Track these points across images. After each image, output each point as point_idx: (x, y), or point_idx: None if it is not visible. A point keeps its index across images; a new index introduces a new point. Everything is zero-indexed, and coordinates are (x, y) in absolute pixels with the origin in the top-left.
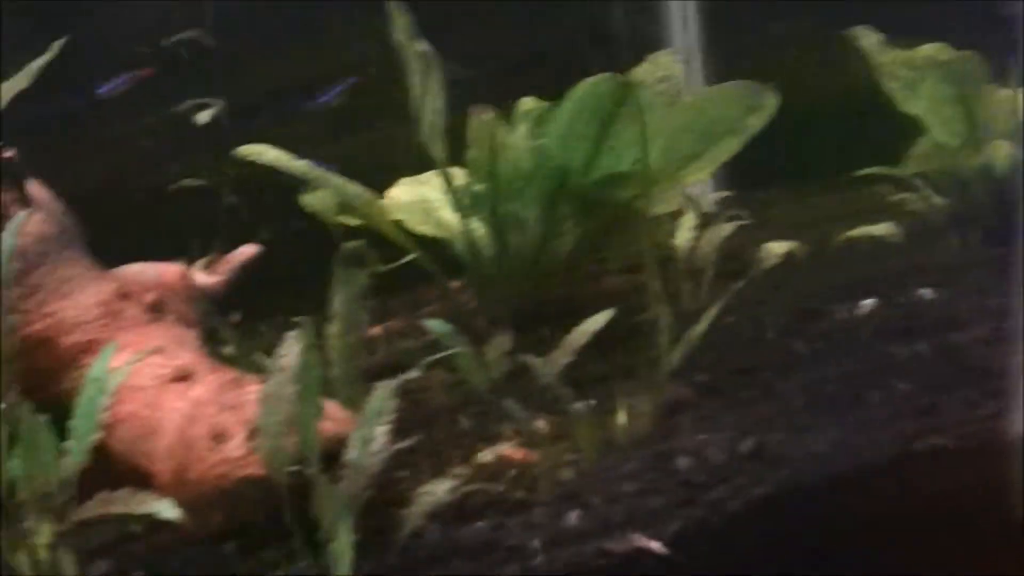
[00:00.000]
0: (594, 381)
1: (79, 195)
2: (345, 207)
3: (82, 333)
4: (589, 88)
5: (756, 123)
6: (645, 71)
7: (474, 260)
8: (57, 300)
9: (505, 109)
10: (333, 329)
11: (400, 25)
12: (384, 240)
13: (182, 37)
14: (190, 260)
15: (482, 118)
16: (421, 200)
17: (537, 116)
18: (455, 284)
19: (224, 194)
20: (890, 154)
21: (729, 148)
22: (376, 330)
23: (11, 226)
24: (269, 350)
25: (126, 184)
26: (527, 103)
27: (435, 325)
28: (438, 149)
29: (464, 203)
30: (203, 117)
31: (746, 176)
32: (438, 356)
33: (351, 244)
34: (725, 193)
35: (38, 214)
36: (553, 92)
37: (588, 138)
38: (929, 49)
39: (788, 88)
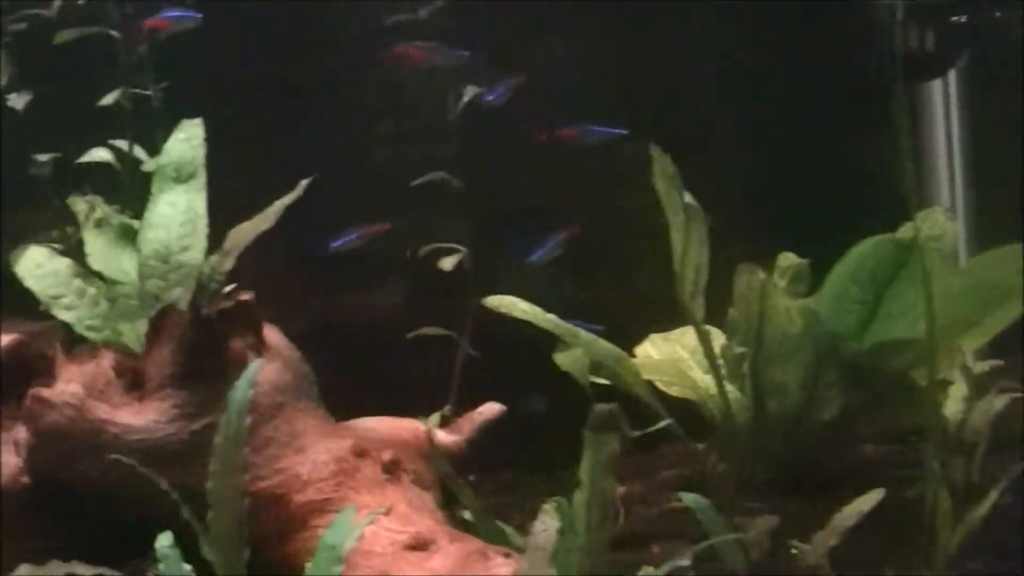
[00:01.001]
0: (862, 562)
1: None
2: (596, 366)
3: (315, 492)
4: (868, 249)
5: None
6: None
7: (728, 425)
8: (290, 455)
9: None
10: (579, 497)
11: (663, 173)
12: (633, 400)
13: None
14: (426, 415)
15: (751, 278)
16: (673, 359)
17: (798, 274)
18: (699, 446)
19: (465, 345)
20: None
21: (1008, 315)
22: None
23: (245, 377)
24: (508, 515)
25: (358, 327)
26: (788, 259)
27: (691, 499)
28: (698, 308)
29: (722, 365)
30: (447, 263)
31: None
32: (706, 543)
33: (603, 407)
34: (996, 362)
35: (274, 362)
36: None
37: (863, 302)
38: None
39: None
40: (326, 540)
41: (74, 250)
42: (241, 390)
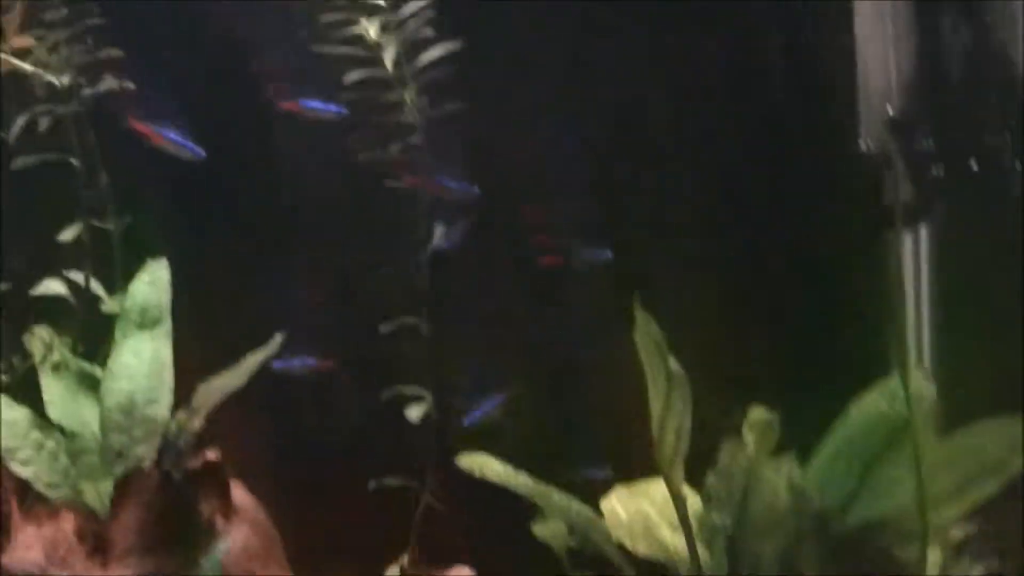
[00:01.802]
0: None
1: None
2: (572, 529)
3: None
4: (857, 425)
5: (1020, 462)
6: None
7: None
8: None
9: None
10: None
11: (647, 336)
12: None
13: None
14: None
15: (738, 452)
16: (640, 515)
17: (767, 428)
18: None
19: (428, 497)
20: None
21: (988, 490)
22: None
23: (211, 561)
24: None
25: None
26: (758, 413)
27: None
28: (676, 475)
29: (695, 529)
30: (413, 413)
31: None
32: None
33: None
34: (971, 528)
35: (241, 527)
36: None
37: (849, 478)
38: None
39: None
40: None
41: (15, 386)
42: (210, 566)
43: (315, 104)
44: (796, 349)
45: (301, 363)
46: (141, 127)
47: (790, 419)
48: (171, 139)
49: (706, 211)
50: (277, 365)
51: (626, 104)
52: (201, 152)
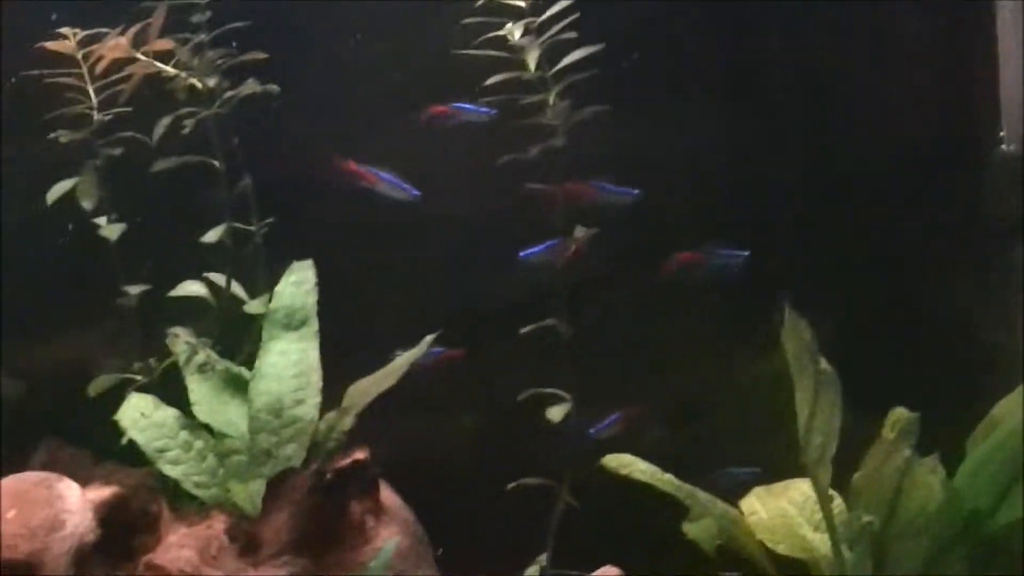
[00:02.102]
0: None
1: None
2: (720, 530)
3: None
4: (1007, 435)
5: None
6: None
7: None
8: None
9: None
10: None
11: (796, 337)
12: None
13: None
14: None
15: (893, 456)
16: (780, 515)
17: (908, 428)
18: None
19: (565, 494)
20: None
21: None
22: None
23: (381, 559)
24: None
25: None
26: (899, 413)
27: None
28: (823, 476)
29: (840, 530)
30: (555, 414)
31: None
32: None
33: None
34: None
35: (391, 527)
36: None
37: (998, 482)
38: None
39: None
40: None
41: (153, 387)
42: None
43: (466, 107)
44: (933, 351)
45: (431, 353)
46: (358, 170)
47: (929, 421)
48: (388, 181)
49: (848, 213)
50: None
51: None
52: (416, 192)
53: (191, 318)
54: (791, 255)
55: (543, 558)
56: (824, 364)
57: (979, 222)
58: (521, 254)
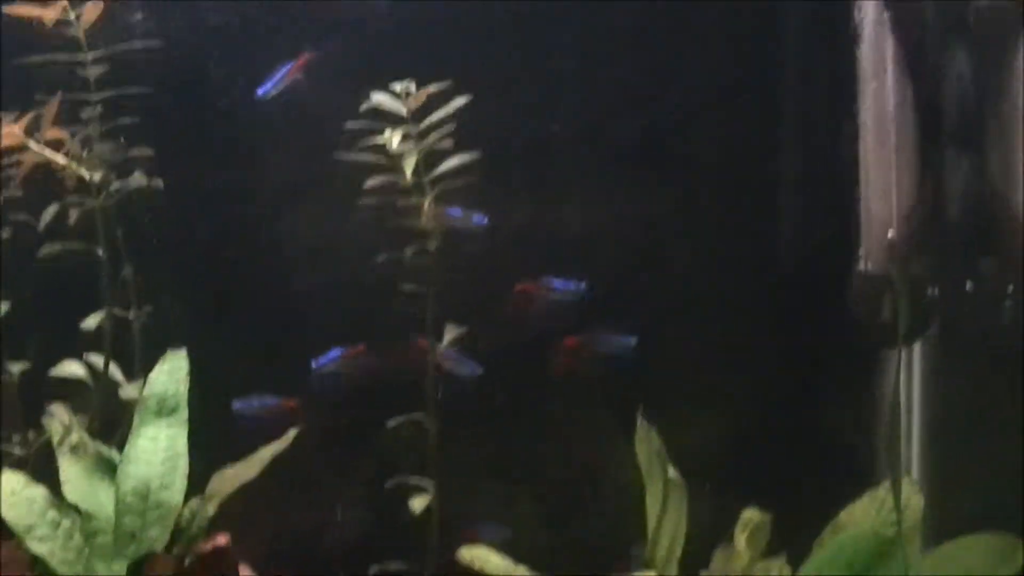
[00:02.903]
0: None
1: None
2: None
3: None
4: (848, 541)
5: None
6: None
7: None
8: None
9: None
10: None
11: (647, 445)
12: None
13: None
14: None
15: (731, 554)
16: None
17: (759, 529)
18: None
19: None
20: None
21: None
22: None
23: None
24: None
25: None
26: (751, 513)
27: None
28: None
29: None
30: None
31: None
32: None
33: None
34: None
35: None
36: None
37: None
38: None
39: None
40: None
41: (29, 462)
42: None
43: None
44: (795, 454)
45: (261, 403)
46: (529, 288)
47: (784, 523)
48: (558, 288)
49: (713, 316)
50: (237, 406)
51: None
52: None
53: (72, 397)
54: (668, 347)
55: None
56: (672, 472)
57: (846, 333)
58: (314, 364)
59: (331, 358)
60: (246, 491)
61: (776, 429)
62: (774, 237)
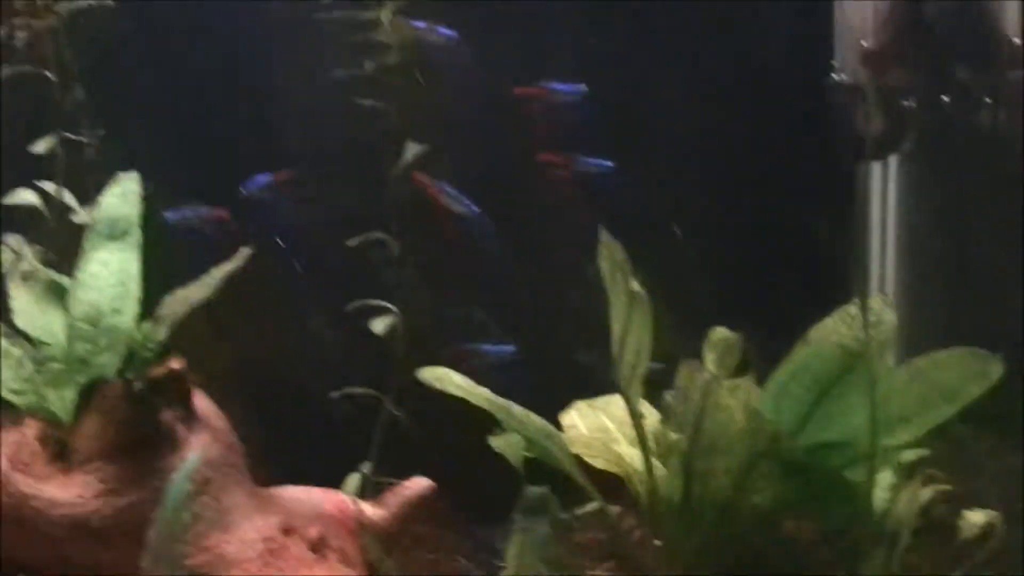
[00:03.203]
0: None
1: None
2: (529, 442)
3: (242, 572)
4: (814, 352)
5: (976, 391)
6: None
7: (653, 502)
8: (217, 533)
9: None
10: None
11: (610, 258)
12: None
13: None
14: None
15: (694, 375)
16: (600, 430)
17: (728, 349)
18: (616, 510)
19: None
20: None
21: (942, 415)
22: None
23: (184, 472)
24: None
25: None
26: (719, 333)
27: None
28: (635, 392)
29: (652, 447)
30: (379, 326)
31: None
32: None
33: (534, 492)
34: (923, 451)
35: (202, 435)
36: None
37: (803, 403)
38: None
39: None
40: None
41: None
42: (179, 484)
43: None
44: (767, 276)
45: (194, 213)
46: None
47: (758, 344)
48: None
49: (678, 137)
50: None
51: None
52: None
53: (28, 227)
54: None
55: (365, 466)
56: (635, 285)
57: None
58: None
59: (260, 183)
60: (200, 316)
61: (753, 248)
62: (749, 49)
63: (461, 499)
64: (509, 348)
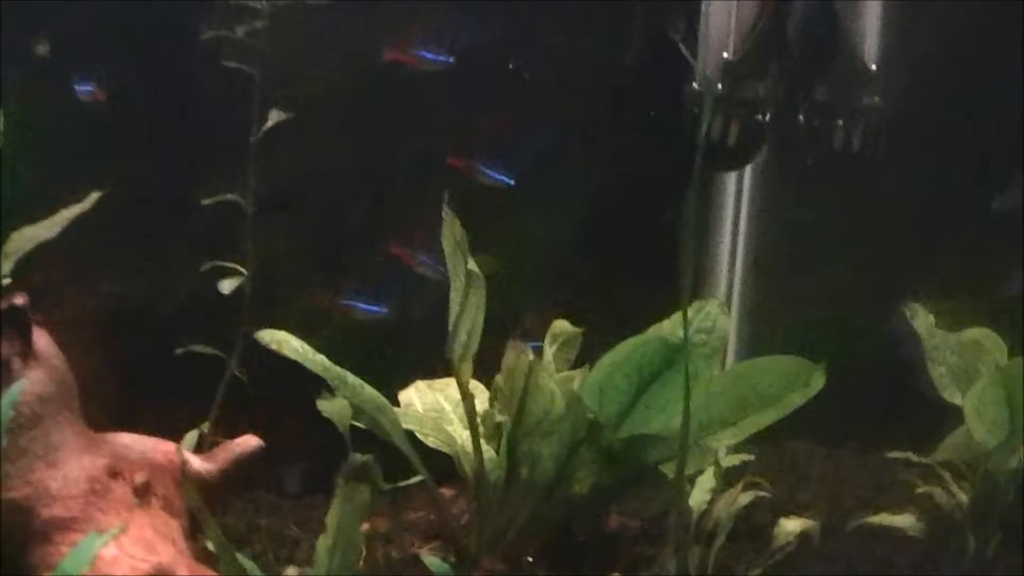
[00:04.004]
0: None
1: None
2: (358, 411)
3: (63, 508)
4: (638, 344)
5: (798, 400)
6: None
7: (479, 483)
8: (43, 468)
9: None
10: (324, 543)
11: (451, 237)
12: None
13: None
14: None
15: (519, 357)
16: (434, 408)
17: (569, 341)
18: (447, 492)
19: (232, 366)
20: (925, 437)
21: (765, 420)
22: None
23: (7, 397)
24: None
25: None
26: (560, 326)
27: (435, 566)
28: (465, 372)
29: (480, 428)
30: (226, 286)
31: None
32: None
33: (357, 459)
34: (746, 456)
35: (38, 371)
36: None
37: (625, 393)
38: (976, 334)
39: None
40: (65, 567)
41: None
42: (2, 410)
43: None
44: (619, 273)
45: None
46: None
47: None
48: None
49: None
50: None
51: None
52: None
53: None
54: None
55: (205, 425)
56: (473, 265)
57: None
58: None
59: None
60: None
61: (607, 250)
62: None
63: (299, 463)
64: (382, 309)
